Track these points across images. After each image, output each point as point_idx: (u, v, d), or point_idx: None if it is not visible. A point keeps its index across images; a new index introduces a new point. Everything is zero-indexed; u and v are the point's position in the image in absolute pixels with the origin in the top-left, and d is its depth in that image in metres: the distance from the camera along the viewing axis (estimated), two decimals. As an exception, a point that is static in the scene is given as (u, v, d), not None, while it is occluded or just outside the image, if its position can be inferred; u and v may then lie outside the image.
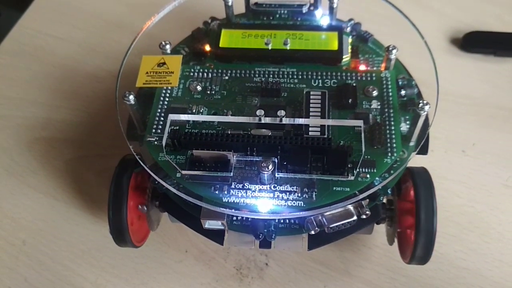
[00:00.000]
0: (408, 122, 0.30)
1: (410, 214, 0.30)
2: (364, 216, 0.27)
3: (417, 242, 0.29)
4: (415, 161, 0.31)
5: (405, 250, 0.32)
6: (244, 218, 0.28)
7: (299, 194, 0.27)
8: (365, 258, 0.36)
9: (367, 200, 0.27)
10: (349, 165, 0.27)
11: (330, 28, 0.34)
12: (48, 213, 0.39)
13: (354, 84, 0.31)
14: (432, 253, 0.30)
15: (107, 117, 0.44)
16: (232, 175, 0.27)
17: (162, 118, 0.30)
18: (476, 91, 0.44)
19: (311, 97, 0.30)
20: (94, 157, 0.42)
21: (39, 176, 0.41)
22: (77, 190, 0.40)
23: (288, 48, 0.32)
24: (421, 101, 0.27)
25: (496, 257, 0.35)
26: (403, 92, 0.31)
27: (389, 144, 0.28)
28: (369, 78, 0.31)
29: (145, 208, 0.32)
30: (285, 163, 0.27)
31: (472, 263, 0.35)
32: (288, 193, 0.27)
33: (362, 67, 0.32)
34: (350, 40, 0.34)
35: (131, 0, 0.52)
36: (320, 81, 0.31)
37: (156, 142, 0.29)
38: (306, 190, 0.27)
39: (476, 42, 0.46)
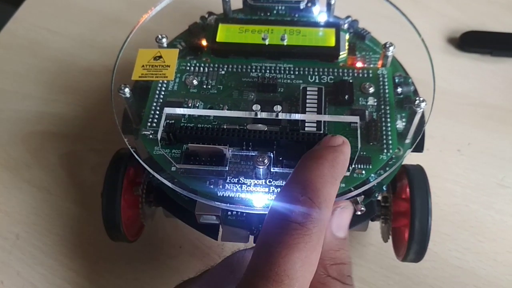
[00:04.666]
0: (404, 120, 0.30)
1: (405, 211, 0.30)
2: (359, 212, 0.27)
3: (412, 240, 0.29)
4: (411, 159, 0.32)
5: (399, 247, 0.32)
6: (238, 213, 0.28)
7: (295, 189, 0.26)
8: (360, 256, 0.36)
9: (362, 196, 0.27)
10: (344, 161, 0.27)
11: (328, 24, 0.33)
12: (41, 207, 0.39)
13: (350, 81, 0.31)
14: (426, 251, 0.30)
15: (102, 112, 0.44)
16: (227, 169, 0.27)
17: (157, 112, 0.30)
18: (473, 90, 0.44)
19: (308, 93, 0.30)
20: (89, 151, 0.42)
21: (33, 170, 0.41)
22: (71, 184, 0.40)
23: (285, 43, 0.32)
24: (417, 98, 0.27)
25: (490, 256, 0.36)
26: (399, 90, 0.31)
27: (385, 141, 0.28)
28: (365, 75, 0.31)
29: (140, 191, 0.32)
30: (280, 158, 0.27)
31: (467, 262, 0.35)
32: (283, 188, 0.26)
33: (359, 64, 0.32)
34: (347, 37, 0.34)
35: (128, -5, 0.52)
36: (316, 77, 0.31)
37: (151, 136, 0.28)
38: (301, 185, 0.27)
39: (473, 42, 0.46)
